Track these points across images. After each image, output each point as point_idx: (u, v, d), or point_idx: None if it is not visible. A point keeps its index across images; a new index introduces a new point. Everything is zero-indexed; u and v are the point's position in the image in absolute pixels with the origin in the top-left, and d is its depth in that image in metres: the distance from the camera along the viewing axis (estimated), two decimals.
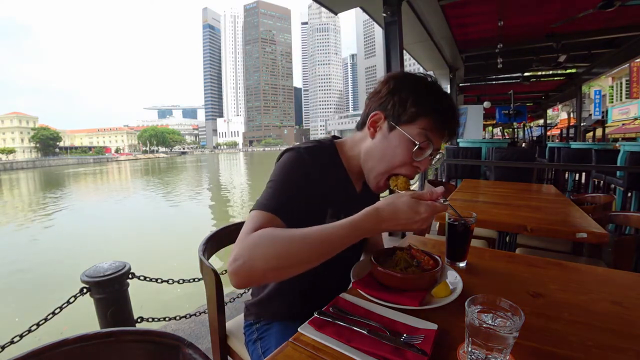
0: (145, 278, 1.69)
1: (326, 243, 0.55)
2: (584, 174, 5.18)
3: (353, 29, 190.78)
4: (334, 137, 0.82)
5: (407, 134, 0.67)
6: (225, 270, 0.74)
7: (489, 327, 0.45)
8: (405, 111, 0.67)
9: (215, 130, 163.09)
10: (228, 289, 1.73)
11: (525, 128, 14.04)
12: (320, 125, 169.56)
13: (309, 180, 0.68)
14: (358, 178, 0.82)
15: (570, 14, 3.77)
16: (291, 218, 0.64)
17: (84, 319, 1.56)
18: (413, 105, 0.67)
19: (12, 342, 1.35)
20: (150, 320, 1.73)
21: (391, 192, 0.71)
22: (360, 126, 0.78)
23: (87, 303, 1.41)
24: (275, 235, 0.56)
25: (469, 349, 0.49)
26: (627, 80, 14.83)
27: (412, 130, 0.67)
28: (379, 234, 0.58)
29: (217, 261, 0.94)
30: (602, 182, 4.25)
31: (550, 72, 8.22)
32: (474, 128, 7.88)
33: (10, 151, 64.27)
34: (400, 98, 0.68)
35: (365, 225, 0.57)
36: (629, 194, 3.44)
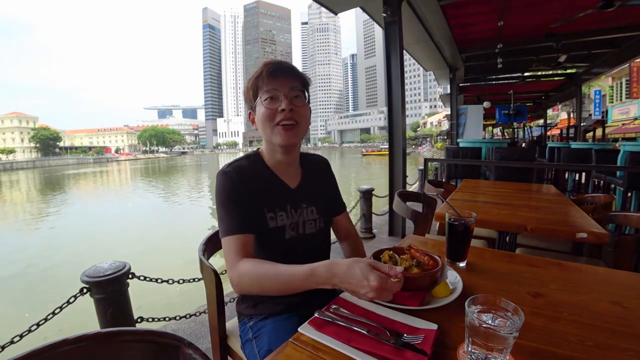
0: (145, 278, 1.69)
1: (290, 283, 0.69)
2: (584, 174, 5.17)
3: (353, 29, 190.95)
4: (259, 149, 0.98)
5: (258, 100, 0.88)
6: (225, 271, 0.83)
7: (489, 327, 0.45)
8: (251, 97, 0.89)
9: (215, 130, 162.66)
10: (228, 289, 1.74)
11: (525, 128, 14.04)
12: (320, 125, 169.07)
13: (240, 192, 0.83)
14: (289, 175, 0.94)
15: (570, 14, 3.77)
16: (250, 225, 0.82)
17: (83, 318, 1.56)
18: (250, 89, 0.89)
19: (12, 342, 1.35)
20: (150, 320, 1.73)
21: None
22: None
23: (87, 303, 1.41)
24: (255, 274, 0.74)
25: (469, 349, 0.49)
26: (627, 80, 14.81)
27: (260, 97, 0.87)
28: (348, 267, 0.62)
29: (217, 261, 0.95)
30: (602, 182, 4.25)
31: (550, 72, 8.22)
32: (474, 128, 7.88)
33: (10, 151, 64.06)
34: (248, 95, 0.90)
35: (319, 273, 0.65)
36: (629, 194, 3.44)
